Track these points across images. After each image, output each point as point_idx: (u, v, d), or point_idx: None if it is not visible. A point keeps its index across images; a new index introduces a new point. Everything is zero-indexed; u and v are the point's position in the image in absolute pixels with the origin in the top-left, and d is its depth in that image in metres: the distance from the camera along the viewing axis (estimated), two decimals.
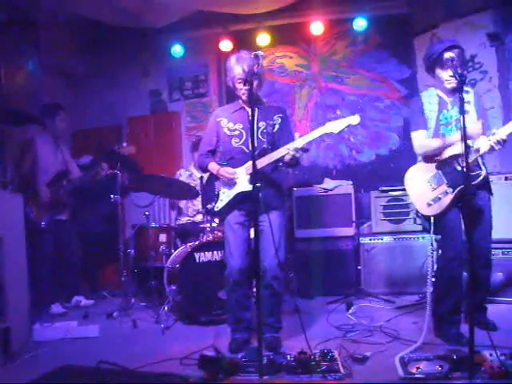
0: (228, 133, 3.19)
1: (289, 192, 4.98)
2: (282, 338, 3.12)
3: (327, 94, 5.78)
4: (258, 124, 3.14)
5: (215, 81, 6.10)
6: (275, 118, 3.20)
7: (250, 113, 3.11)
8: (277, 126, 3.18)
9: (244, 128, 3.15)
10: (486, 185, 3.10)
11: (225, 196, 3.14)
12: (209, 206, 3.21)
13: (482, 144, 2.91)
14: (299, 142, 2.93)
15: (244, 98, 3.16)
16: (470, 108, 3.05)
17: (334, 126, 2.91)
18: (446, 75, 3.04)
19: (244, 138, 3.14)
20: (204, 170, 3.32)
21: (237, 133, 3.16)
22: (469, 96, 3.09)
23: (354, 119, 2.90)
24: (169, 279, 4.02)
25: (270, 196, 3.08)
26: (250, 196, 2.96)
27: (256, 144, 3.04)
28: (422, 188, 3.12)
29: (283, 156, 2.99)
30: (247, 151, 3.10)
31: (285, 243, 3.17)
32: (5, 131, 4.69)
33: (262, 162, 2.96)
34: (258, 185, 2.85)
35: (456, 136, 2.96)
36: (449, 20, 4.96)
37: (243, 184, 3.07)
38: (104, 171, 4.44)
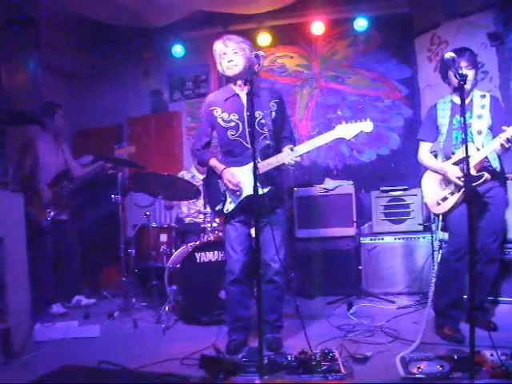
0: (223, 124, 3.04)
1: (289, 192, 4.98)
2: (282, 338, 3.11)
3: (328, 94, 5.78)
4: (253, 114, 2.95)
5: (216, 81, 6.09)
6: (271, 104, 3.06)
7: (244, 99, 3.03)
8: (273, 114, 3.05)
9: (240, 119, 3.01)
10: (497, 186, 3.12)
11: (233, 198, 3.03)
12: (217, 208, 3.08)
13: (490, 145, 2.94)
14: (307, 147, 2.87)
15: (229, 72, 2.99)
16: (484, 112, 3.09)
17: (347, 132, 2.80)
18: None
19: (241, 129, 3.01)
20: (203, 164, 3.20)
21: (232, 124, 3.02)
22: (484, 100, 3.13)
23: (368, 126, 2.79)
24: (170, 279, 4.02)
25: (272, 195, 3.02)
26: (257, 198, 2.93)
27: (254, 136, 3.00)
28: (434, 187, 3.21)
29: (290, 161, 2.88)
30: (246, 144, 3.00)
31: (285, 240, 3.11)
32: (5, 131, 4.68)
33: (270, 164, 2.88)
34: (267, 190, 2.84)
35: (452, 166, 3.06)
36: (449, 20, 4.96)
37: (251, 187, 2.99)
38: (107, 169, 4.46)
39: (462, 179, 2.97)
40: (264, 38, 5.74)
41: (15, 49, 3.62)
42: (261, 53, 2.60)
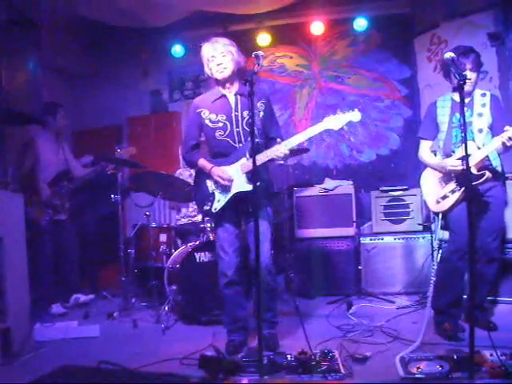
0: (211, 125, 3.05)
1: (289, 192, 4.98)
2: (278, 335, 3.09)
3: (328, 94, 5.78)
4: (241, 113, 3.03)
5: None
6: (259, 104, 3.07)
7: (232, 100, 3.06)
8: (261, 114, 3.07)
9: (228, 119, 3.03)
10: (498, 185, 3.11)
11: (222, 196, 3.03)
12: (205, 208, 3.08)
13: (491, 144, 2.94)
14: (297, 139, 2.89)
15: (219, 76, 3.01)
16: (485, 110, 3.08)
17: (334, 123, 2.85)
18: None
19: (229, 129, 3.02)
20: (193, 166, 3.20)
21: (220, 125, 3.03)
22: (485, 99, 3.12)
23: (355, 116, 2.84)
24: (169, 279, 4.02)
25: (263, 191, 3.02)
26: (247, 195, 2.93)
27: (242, 136, 2.99)
28: (434, 186, 3.21)
29: (279, 154, 2.89)
30: (235, 145, 3.01)
31: (272, 238, 3.10)
32: (5, 131, 4.69)
33: (260, 160, 2.86)
34: (258, 184, 2.83)
35: (452, 159, 3.06)
36: (449, 20, 4.95)
37: (241, 184, 2.96)
38: (107, 170, 4.46)
39: (462, 166, 2.96)
40: (264, 38, 5.74)
41: (15, 49, 3.62)
42: (260, 53, 2.61)
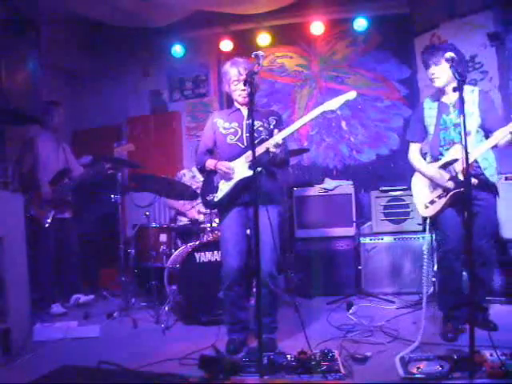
0: (224, 132, 3.19)
1: (289, 192, 4.98)
2: (277, 339, 3.09)
3: (327, 94, 5.77)
4: (253, 123, 3.10)
5: (215, 81, 6.10)
6: (270, 119, 3.23)
7: (245, 113, 3.19)
8: (271, 127, 3.19)
9: (239, 126, 3.16)
10: (486, 187, 3.07)
11: (225, 186, 3.10)
12: (208, 198, 3.16)
13: (480, 147, 2.94)
14: (299, 122, 2.96)
15: (240, 99, 3.18)
16: (473, 109, 3.04)
17: (333, 104, 2.92)
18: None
19: (239, 134, 3.14)
20: (202, 168, 3.29)
21: (232, 130, 3.16)
22: (473, 96, 3.07)
23: (351, 95, 2.91)
24: (169, 279, 4.02)
25: (269, 188, 3.07)
26: (250, 183, 2.91)
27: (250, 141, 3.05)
28: (423, 190, 3.21)
29: (283, 140, 2.97)
30: (243, 146, 3.10)
31: (280, 242, 3.11)
32: (5, 131, 4.69)
33: (261, 148, 2.94)
34: (259, 169, 2.85)
35: (435, 167, 3.09)
36: (449, 20, 4.96)
37: (243, 171, 3.03)
38: (106, 169, 4.46)
39: (451, 181, 2.97)
40: (263, 38, 5.75)
41: (15, 48, 3.62)
42: (260, 53, 2.62)
